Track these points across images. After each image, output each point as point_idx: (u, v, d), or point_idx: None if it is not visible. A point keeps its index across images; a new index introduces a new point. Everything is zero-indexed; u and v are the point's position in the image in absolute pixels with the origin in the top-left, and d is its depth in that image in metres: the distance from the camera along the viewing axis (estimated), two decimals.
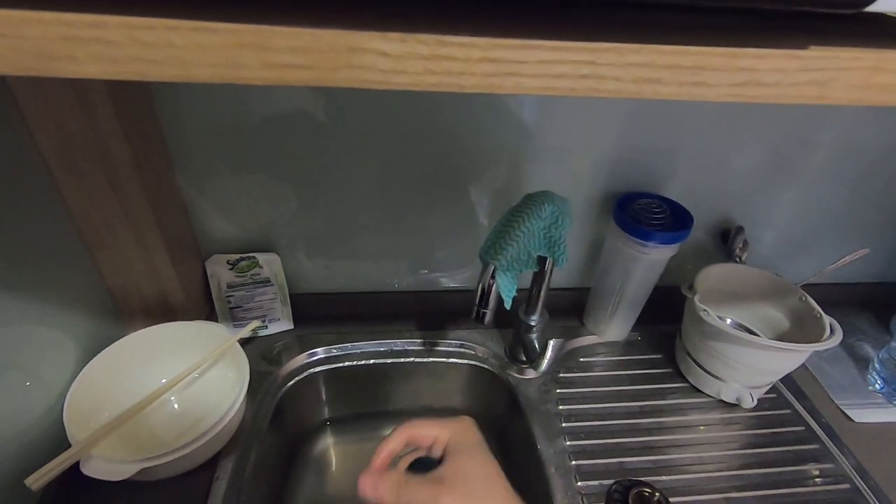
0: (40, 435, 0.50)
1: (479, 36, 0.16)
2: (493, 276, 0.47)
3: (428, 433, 0.41)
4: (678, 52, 0.17)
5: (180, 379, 0.57)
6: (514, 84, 0.17)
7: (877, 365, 0.68)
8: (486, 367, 0.69)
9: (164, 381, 0.57)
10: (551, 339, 0.68)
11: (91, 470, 0.45)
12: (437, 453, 0.42)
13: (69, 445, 0.46)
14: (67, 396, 0.50)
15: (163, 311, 0.61)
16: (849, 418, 0.63)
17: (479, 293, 0.48)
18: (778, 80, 0.18)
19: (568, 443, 0.58)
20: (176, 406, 0.58)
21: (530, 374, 0.66)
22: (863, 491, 0.56)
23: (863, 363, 0.70)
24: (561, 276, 0.73)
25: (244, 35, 0.16)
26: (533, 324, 0.63)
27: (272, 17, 0.16)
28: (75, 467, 0.45)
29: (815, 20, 0.19)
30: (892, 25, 0.18)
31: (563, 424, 0.60)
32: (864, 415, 0.64)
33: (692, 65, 0.17)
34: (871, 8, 0.17)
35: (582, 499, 0.53)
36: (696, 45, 0.17)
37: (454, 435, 0.41)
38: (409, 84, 0.17)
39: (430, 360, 0.69)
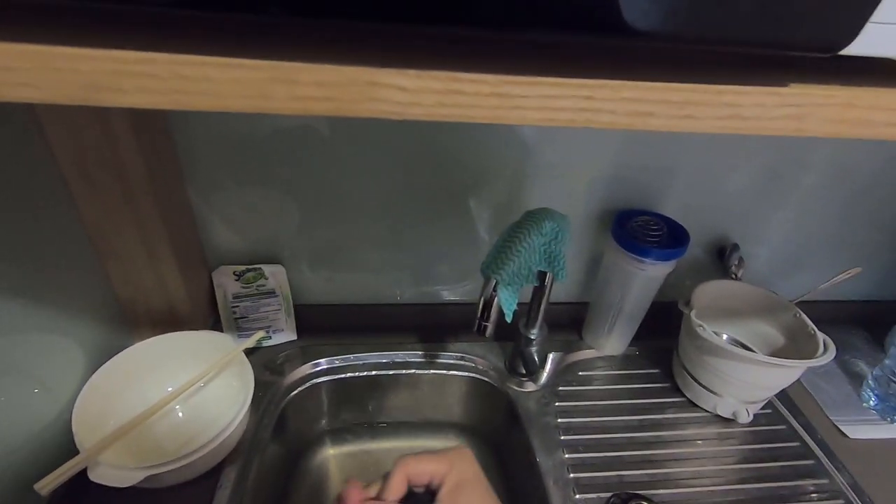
0: (48, 441, 0.50)
1: (487, 73, 0.18)
2: (494, 290, 0.49)
3: (426, 469, 0.41)
4: (668, 88, 0.19)
5: (186, 388, 0.58)
6: (519, 116, 0.19)
7: (871, 382, 0.69)
8: (486, 379, 0.70)
9: (170, 389, 0.58)
10: (551, 352, 0.70)
11: (98, 476, 0.46)
12: (435, 487, 0.41)
13: (76, 452, 0.47)
14: (76, 404, 0.51)
15: (169, 321, 0.62)
16: (843, 434, 0.64)
17: (480, 307, 0.50)
18: (758, 114, 0.19)
19: (566, 455, 0.59)
20: (181, 415, 0.59)
21: (530, 386, 0.67)
22: None
23: (857, 380, 0.72)
24: (560, 290, 0.74)
25: (274, 71, 0.17)
26: (533, 337, 0.64)
27: (300, 55, 0.17)
28: (83, 473, 0.46)
29: (794, 58, 0.20)
30: (865, 64, 0.19)
31: (562, 437, 0.61)
32: (859, 431, 0.65)
33: (681, 100, 0.19)
34: (845, 52, 0.18)
35: None
36: (685, 81, 0.19)
37: (453, 469, 0.41)
38: (423, 115, 0.18)
39: (431, 371, 0.70)
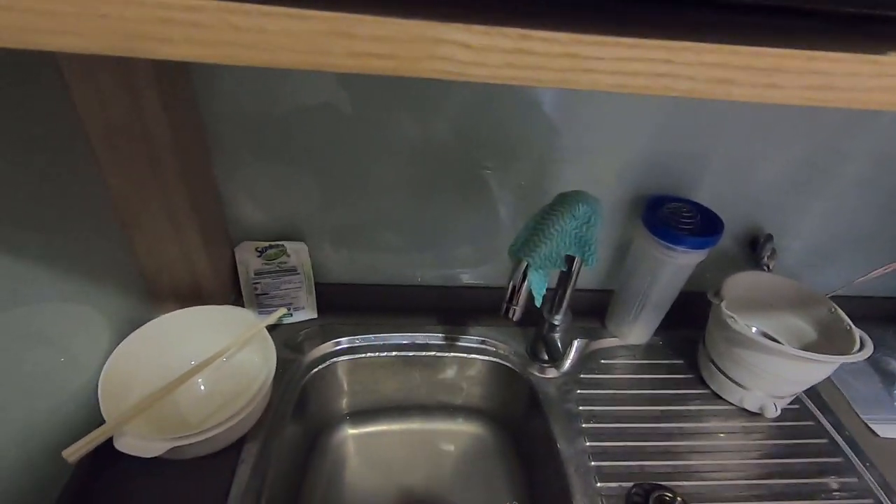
0: (74, 409, 0.51)
1: (559, 31, 0.16)
2: (524, 274, 0.47)
3: None
4: (754, 53, 0.17)
5: (209, 362, 0.58)
6: (590, 80, 0.17)
7: None
8: (507, 364, 0.69)
9: (192, 363, 0.58)
10: (574, 339, 0.68)
11: (124, 446, 0.46)
12: None
13: (102, 421, 0.47)
14: (102, 374, 0.51)
15: (192, 295, 0.62)
16: (874, 433, 0.63)
17: (509, 290, 0.49)
18: (852, 84, 0.18)
19: (588, 443, 0.58)
20: (203, 388, 0.59)
21: (551, 373, 0.66)
22: None
23: (889, 378, 0.69)
24: (585, 277, 0.73)
25: (332, 23, 0.16)
26: (557, 323, 0.63)
27: (358, 6, 0.16)
28: (108, 443, 0.46)
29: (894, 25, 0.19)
30: None
31: (584, 425, 0.60)
32: (890, 430, 0.63)
33: (767, 66, 0.17)
34: None
35: (602, 500, 0.53)
36: (773, 46, 0.17)
37: None
38: (488, 77, 0.17)
39: (452, 354, 0.69)
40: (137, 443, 0.46)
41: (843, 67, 0.17)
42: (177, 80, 0.51)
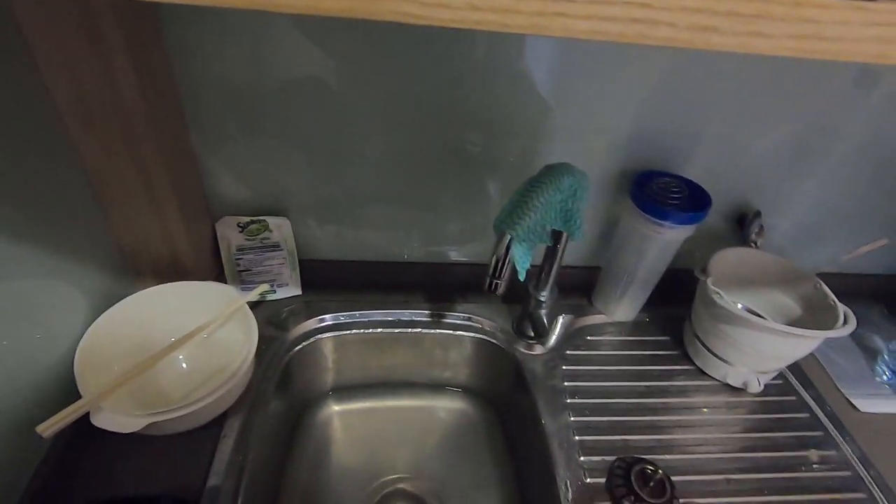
0: (50, 386, 0.50)
1: None
2: (508, 247, 0.47)
3: None
4: None
5: (190, 337, 0.57)
6: (562, 26, 0.16)
7: (886, 356, 0.67)
8: (493, 340, 0.69)
9: (172, 339, 0.57)
10: (560, 315, 0.68)
11: (101, 421, 0.45)
12: None
13: (80, 398, 0.46)
14: (78, 349, 0.50)
15: (172, 271, 0.61)
16: (854, 407, 0.63)
17: (493, 264, 0.48)
18: (840, 33, 0.17)
19: (572, 418, 0.59)
20: (184, 365, 0.59)
21: (537, 349, 0.66)
22: (864, 479, 0.56)
23: (871, 354, 0.70)
24: (571, 253, 0.72)
25: None
26: (543, 299, 0.63)
27: None
28: (86, 420, 0.45)
29: None
30: None
31: (568, 400, 0.60)
32: (870, 405, 0.64)
33: (752, 13, 0.16)
34: None
35: (584, 473, 0.53)
36: None
37: None
38: (452, 20, 0.16)
39: (438, 331, 0.69)
40: (115, 418, 0.46)
41: (832, 15, 0.16)
42: (149, 45, 0.49)
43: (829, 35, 0.17)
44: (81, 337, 0.51)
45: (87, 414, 0.45)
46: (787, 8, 0.16)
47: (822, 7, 0.16)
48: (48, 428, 0.43)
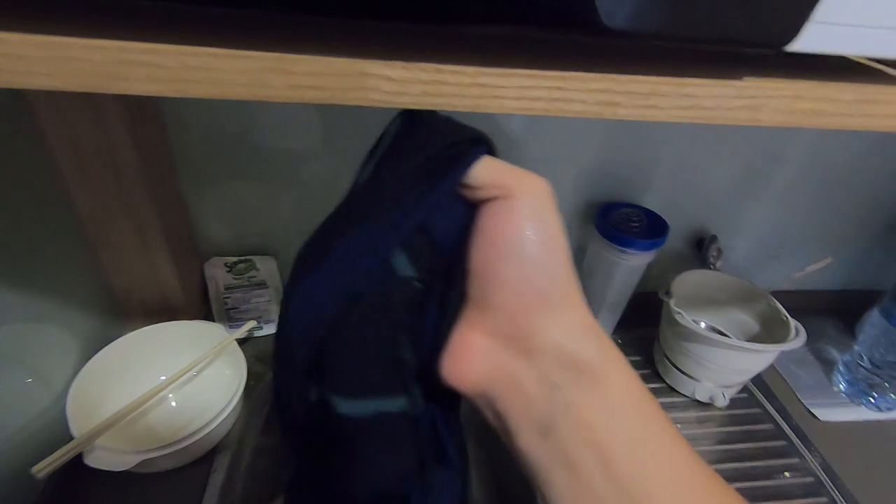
0: (42, 428, 0.51)
1: (467, 65, 0.20)
2: None
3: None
4: (633, 80, 0.20)
5: (179, 376, 0.59)
6: (498, 105, 0.20)
7: (841, 367, 0.72)
8: None
9: (162, 378, 0.58)
10: None
11: (94, 461, 0.47)
12: None
13: (72, 439, 0.48)
14: (70, 392, 0.51)
15: (162, 311, 0.63)
16: (815, 417, 0.67)
17: None
18: (716, 104, 0.21)
19: None
20: (174, 404, 0.60)
21: None
22: (826, 484, 0.59)
23: (828, 366, 0.75)
24: None
25: (273, 61, 0.19)
26: None
27: (296, 47, 0.19)
28: (79, 460, 0.47)
29: (747, 54, 0.22)
30: (811, 60, 0.21)
31: None
32: (829, 414, 0.68)
33: (646, 91, 0.21)
34: (791, 48, 0.20)
35: None
36: (649, 74, 0.21)
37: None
38: (410, 104, 0.20)
39: None
40: (107, 456, 0.47)
41: (708, 91, 0.21)
42: (143, 103, 0.53)
43: (708, 105, 0.21)
44: (73, 379, 0.53)
45: (80, 454, 0.47)
46: (672, 87, 0.21)
47: (699, 86, 0.21)
48: (42, 469, 0.44)
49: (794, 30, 0.19)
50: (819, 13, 0.19)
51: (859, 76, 0.23)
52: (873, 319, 0.66)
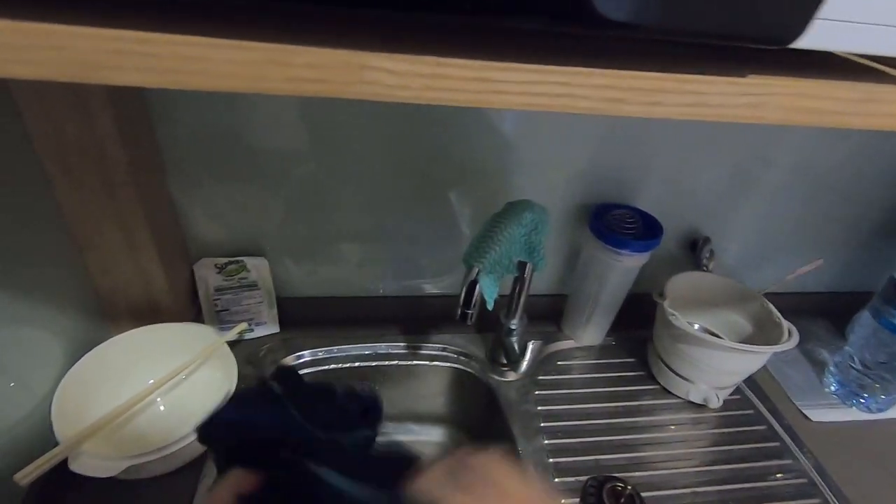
0: (26, 434, 0.50)
1: (472, 59, 0.19)
2: (476, 279, 0.50)
3: None
4: (637, 76, 0.20)
5: (167, 380, 0.57)
6: (501, 100, 0.20)
7: (832, 368, 0.72)
8: (468, 369, 0.71)
9: (151, 381, 0.57)
10: (530, 342, 0.71)
11: (79, 467, 0.45)
12: None
13: (56, 444, 0.46)
14: (55, 396, 0.50)
15: (150, 313, 0.62)
16: (807, 418, 0.68)
17: (463, 295, 0.51)
18: (721, 101, 0.21)
19: (546, 441, 0.61)
20: (162, 408, 0.59)
21: (510, 376, 0.69)
22: (819, 485, 0.59)
23: (819, 367, 0.75)
24: (540, 282, 0.76)
25: (269, 52, 0.18)
26: (513, 327, 0.66)
27: (294, 38, 0.18)
28: (63, 466, 0.45)
29: (752, 51, 0.22)
30: (815, 58, 0.21)
31: (542, 424, 0.63)
32: (821, 414, 0.68)
33: (650, 87, 0.20)
34: (796, 45, 0.20)
35: (559, 494, 0.55)
36: (653, 71, 0.20)
37: None
38: (411, 97, 0.19)
39: (414, 363, 0.71)
40: (93, 463, 0.46)
41: (712, 87, 0.21)
42: (131, 101, 0.52)
43: (713, 103, 0.21)
44: (58, 384, 0.52)
45: (66, 460, 0.46)
46: (676, 84, 0.21)
47: (703, 82, 0.21)
48: (26, 476, 0.43)
49: (800, 26, 0.18)
50: (825, 10, 0.18)
51: (862, 75, 0.23)
52: (863, 320, 0.67)
